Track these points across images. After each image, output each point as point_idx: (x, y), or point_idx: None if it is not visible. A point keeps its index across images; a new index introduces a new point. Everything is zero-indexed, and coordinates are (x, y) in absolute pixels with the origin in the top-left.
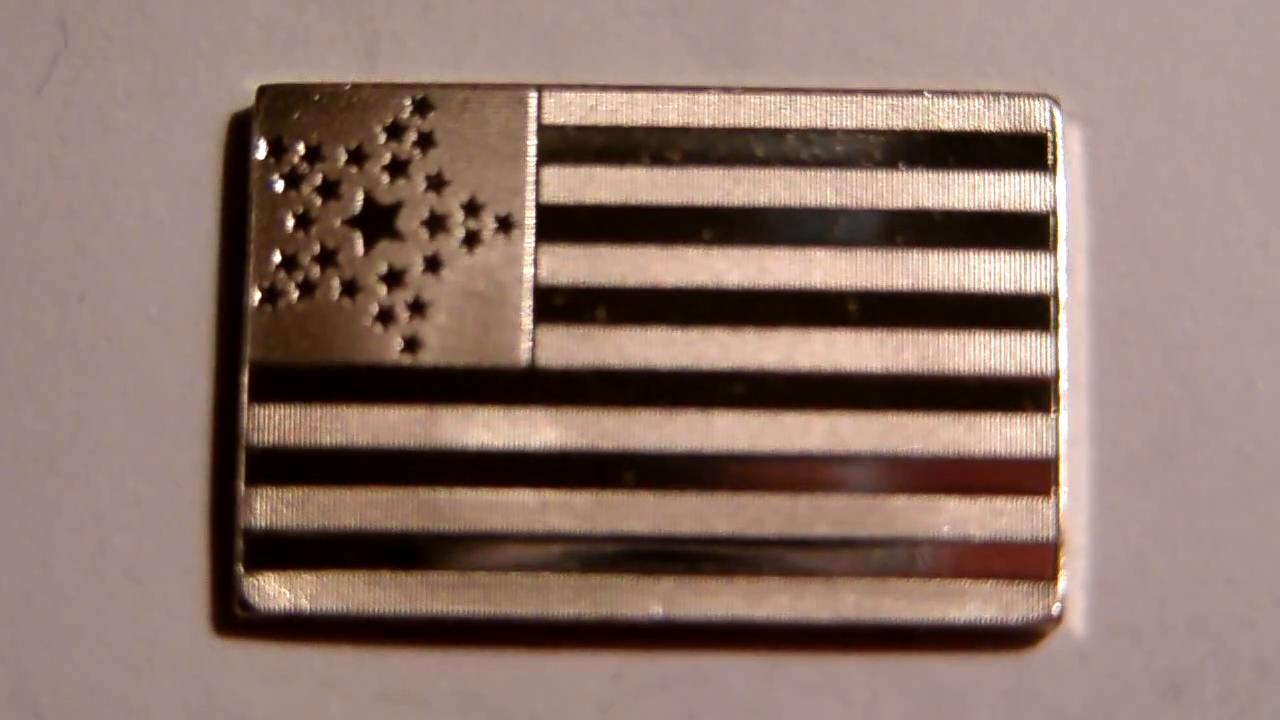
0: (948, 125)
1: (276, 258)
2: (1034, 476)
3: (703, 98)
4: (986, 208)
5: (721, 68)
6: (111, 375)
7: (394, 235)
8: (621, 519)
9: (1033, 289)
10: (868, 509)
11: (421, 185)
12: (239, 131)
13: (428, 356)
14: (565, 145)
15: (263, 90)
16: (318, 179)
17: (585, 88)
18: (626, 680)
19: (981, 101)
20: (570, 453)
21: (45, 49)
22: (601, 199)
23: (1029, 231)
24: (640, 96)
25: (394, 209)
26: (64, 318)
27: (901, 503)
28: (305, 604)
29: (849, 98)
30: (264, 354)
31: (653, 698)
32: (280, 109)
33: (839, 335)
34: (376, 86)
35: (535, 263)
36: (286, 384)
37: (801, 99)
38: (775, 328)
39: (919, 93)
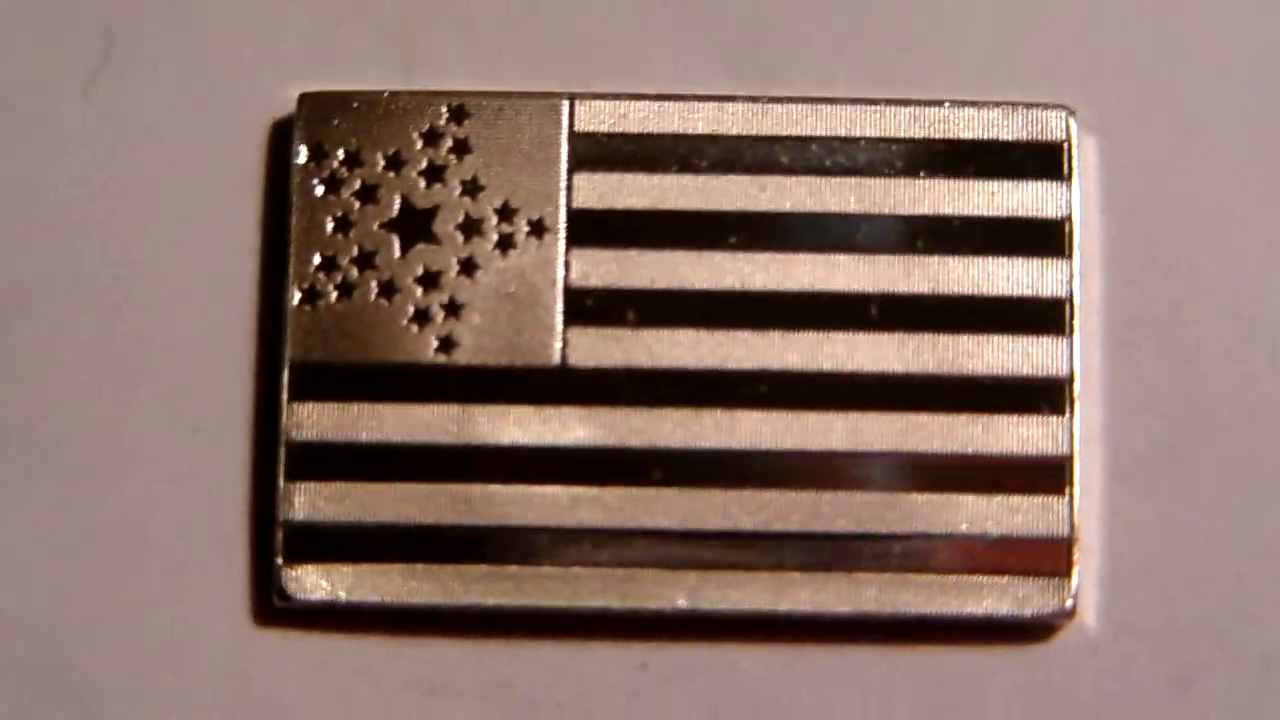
0: (967, 135)
1: (316, 259)
2: (1048, 475)
3: (730, 107)
4: (1004, 215)
5: (748, 78)
6: (156, 374)
7: (430, 238)
8: (649, 514)
9: (1048, 294)
10: (887, 505)
11: (457, 190)
12: (280, 138)
13: (462, 356)
14: (596, 152)
15: (303, 98)
16: (356, 184)
17: (616, 97)
18: (652, 670)
19: (1000, 112)
20: (600, 450)
21: (91, 57)
22: (631, 204)
23: (1045, 238)
24: (669, 105)
25: (430, 213)
26: (111, 318)
27: (920, 499)
28: (342, 595)
29: (871, 108)
30: (304, 353)
31: (678, 687)
32: (320, 116)
33: (860, 337)
34: (414, 94)
35: (567, 266)
36: (325, 382)
37: (825, 109)
38: (799, 330)
39: (939, 103)
